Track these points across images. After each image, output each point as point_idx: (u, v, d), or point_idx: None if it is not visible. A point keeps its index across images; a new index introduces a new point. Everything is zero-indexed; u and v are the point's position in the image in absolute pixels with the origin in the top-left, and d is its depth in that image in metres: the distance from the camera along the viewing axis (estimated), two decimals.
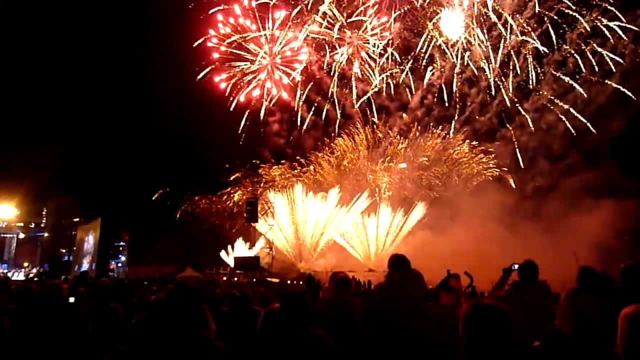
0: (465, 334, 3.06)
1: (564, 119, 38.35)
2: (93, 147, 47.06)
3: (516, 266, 6.14)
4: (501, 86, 39.61)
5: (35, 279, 35.57)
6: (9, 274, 46.25)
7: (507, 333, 2.94)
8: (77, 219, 54.23)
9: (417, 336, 5.02)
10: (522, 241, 29.49)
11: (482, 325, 2.99)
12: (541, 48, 38.44)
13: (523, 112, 39.93)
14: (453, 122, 42.10)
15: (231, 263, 41.99)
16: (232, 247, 45.69)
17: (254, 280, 33.68)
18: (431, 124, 43.16)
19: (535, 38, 38.16)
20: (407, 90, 42.12)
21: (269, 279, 33.98)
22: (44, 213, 57.63)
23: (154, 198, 47.08)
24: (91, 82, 46.51)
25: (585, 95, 37.90)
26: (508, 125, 40.46)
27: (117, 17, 45.05)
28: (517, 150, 40.55)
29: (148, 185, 46.44)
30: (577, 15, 37.36)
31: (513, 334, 2.94)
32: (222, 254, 45.67)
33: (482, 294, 8.80)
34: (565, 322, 4.80)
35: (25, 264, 54.78)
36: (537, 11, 37.68)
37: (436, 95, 41.81)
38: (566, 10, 37.41)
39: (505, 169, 42.19)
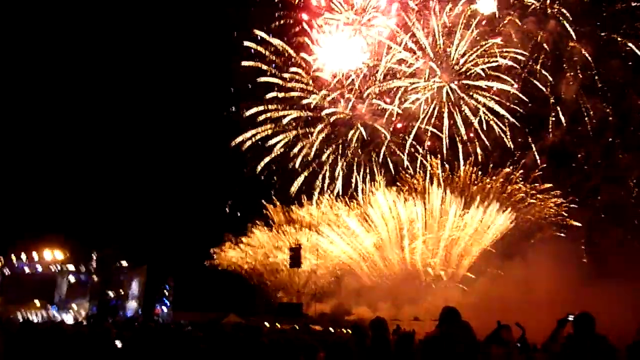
0: None
1: None
2: (143, 193, 48.52)
3: (571, 317, 5.87)
4: None
5: (84, 322, 36.18)
6: (59, 317, 47.20)
7: None
8: (125, 264, 55.31)
9: None
10: (593, 292, 28.28)
11: None
12: None
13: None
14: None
15: None
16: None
17: (297, 327, 33.31)
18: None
19: None
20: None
21: (312, 326, 33.57)
22: (94, 257, 59.07)
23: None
24: (139, 136, 48.38)
25: None
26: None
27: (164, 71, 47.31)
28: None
29: (193, 231, 47.20)
30: None
31: None
32: None
33: (535, 347, 8.48)
34: None
35: (74, 307, 55.83)
36: None
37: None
38: None
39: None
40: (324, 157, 45.15)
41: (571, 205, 40.48)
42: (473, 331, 5.43)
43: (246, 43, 44.49)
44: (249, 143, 45.31)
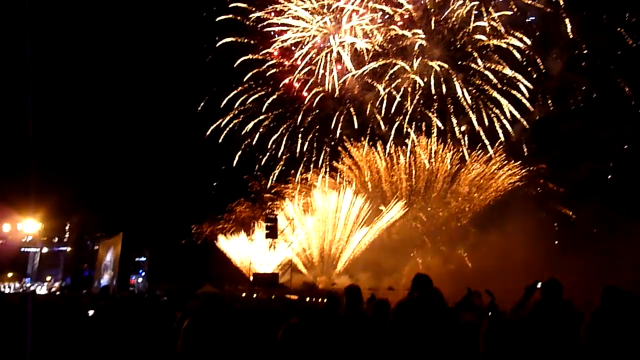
0: (485, 352, 3.02)
1: None
2: (116, 164, 47.85)
3: (539, 284, 5.99)
4: None
5: (58, 293, 35.91)
6: (32, 287, 46.81)
7: (525, 348, 2.88)
8: (99, 234, 54.80)
9: (437, 355, 4.94)
10: (565, 261, 29.00)
11: (499, 342, 2.94)
12: None
13: None
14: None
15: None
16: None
17: (273, 297, 33.56)
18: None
19: None
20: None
21: (288, 296, 33.83)
22: (66, 228, 58.36)
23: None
24: (114, 100, 47.53)
25: None
26: None
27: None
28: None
29: (169, 202, 46.90)
30: None
31: (533, 350, 2.88)
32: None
33: (504, 313, 8.68)
34: (589, 342, 4.69)
35: (48, 278, 55.40)
36: None
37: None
38: None
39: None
40: (309, 136, 45.10)
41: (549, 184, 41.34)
42: (444, 297, 5.52)
43: (223, 17, 43.76)
44: (235, 121, 45.14)
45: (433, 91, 42.25)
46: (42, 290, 46.73)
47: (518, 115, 41.37)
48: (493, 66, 41.14)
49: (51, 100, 46.41)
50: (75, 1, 45.16)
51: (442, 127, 42.91)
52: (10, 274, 52.85)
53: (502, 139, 42.13)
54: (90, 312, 7.28)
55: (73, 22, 45.50)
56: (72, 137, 47.36)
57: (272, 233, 39.13)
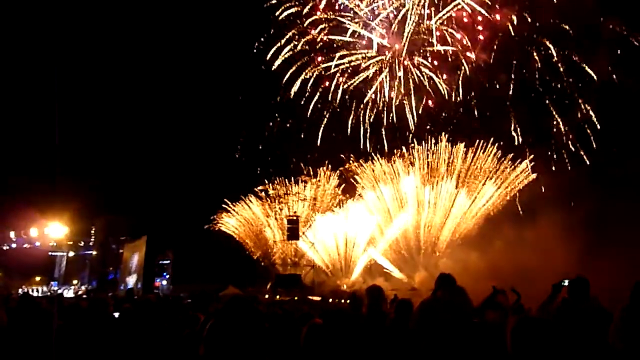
0: (513, 350, 2.97)
1: None
2: (140, 168, 48.31)
3: (566, 282, 5.91)
4: None
5: (84, 296, 36.55)
6: (59, 291, 47.66)
7: (555, 347, 2.82)
8: (124, 237, 55.51)
9: (462, 354, 4.90)
10: (592, 256, 28.48)
11: (529, 340, 2.88)
12: None
13: None
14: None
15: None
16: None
17: (296, 298, 33.61)
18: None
19: None
20: None
21: (311, 297, 33.85)
22: (92, 232, 59.23)
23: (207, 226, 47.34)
24: (139, 104, 47.94)
25: None
26: None
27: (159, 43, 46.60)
28: None
29: (192, 204, 47.15)
30: None
31: (563, 348, 2.83)
32: None
33: (529, 311, 8.56)
34: (618, 339, 4.60)
35: (75, 282, 56.35)
36: None
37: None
38: None
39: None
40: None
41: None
42: (468, 296, 5.46)
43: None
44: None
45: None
46: (69, 293, 47.55)
47: (559, 119, 40.79)
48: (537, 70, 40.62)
49: (78, 105, 47.14)
50: (110, 12, 45.57)
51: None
52: (38, 278, 53.86)
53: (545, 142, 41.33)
54: (116, 315, 7.40)
55: (110, 28, 46.13)
56: (97, 141, 47.88)
57: (293, 235, 39.05)
